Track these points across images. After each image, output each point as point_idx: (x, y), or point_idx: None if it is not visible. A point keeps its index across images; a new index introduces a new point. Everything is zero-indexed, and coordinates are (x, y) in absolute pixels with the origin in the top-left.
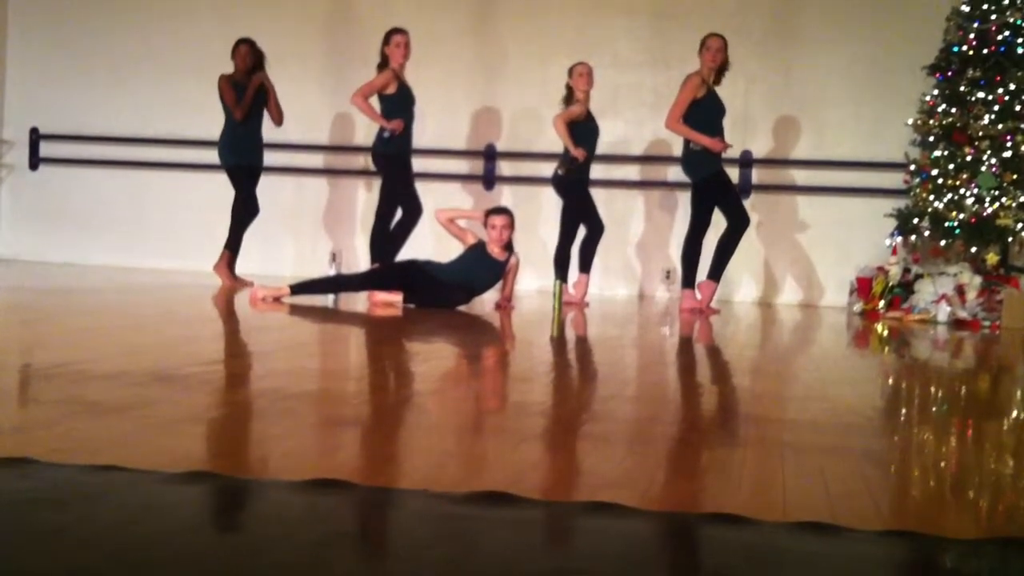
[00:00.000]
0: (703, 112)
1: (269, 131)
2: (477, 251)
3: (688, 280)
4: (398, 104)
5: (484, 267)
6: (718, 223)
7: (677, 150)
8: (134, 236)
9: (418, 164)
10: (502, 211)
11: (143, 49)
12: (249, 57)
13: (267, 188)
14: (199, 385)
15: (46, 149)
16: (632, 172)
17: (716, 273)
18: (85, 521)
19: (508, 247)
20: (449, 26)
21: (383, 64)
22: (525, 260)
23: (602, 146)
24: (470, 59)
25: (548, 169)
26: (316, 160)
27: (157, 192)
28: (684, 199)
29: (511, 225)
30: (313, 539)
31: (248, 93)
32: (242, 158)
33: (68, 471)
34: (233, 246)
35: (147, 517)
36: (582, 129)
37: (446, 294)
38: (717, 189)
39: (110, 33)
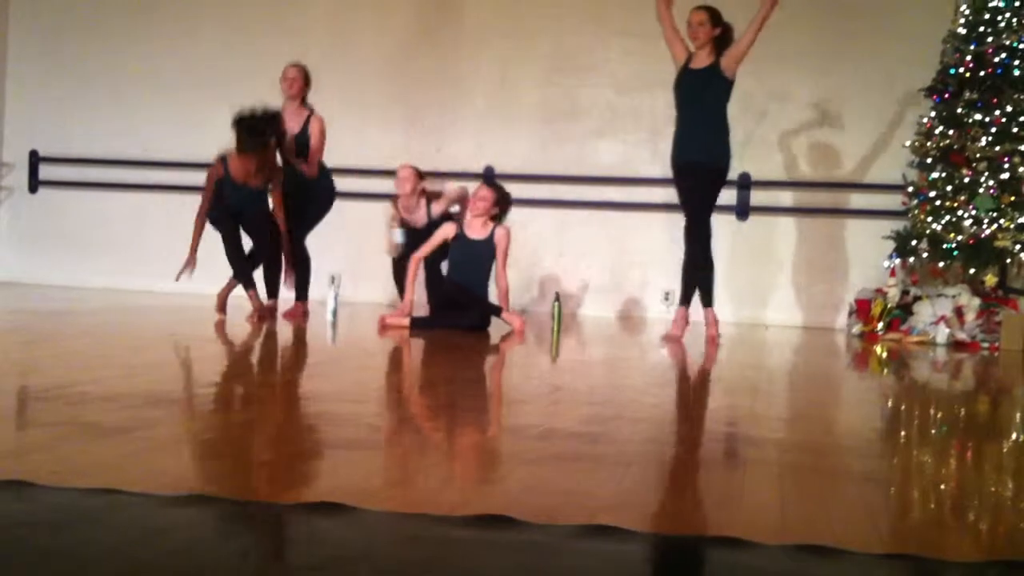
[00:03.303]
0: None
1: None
2: (457, 243)
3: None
4: None
5: (468, 256)
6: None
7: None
8: (134, 259)
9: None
10: (492, 186)
11: (143, 71)
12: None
13: None
14: (198, 407)
15: (45, 172)
16: (633, 194)
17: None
18: (83, 544)
19: (495, 219)
20: (450, 47)
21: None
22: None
23: (601, 168)
24: (471, 78)
25: (545, 192)
26: None
27: (157, 215)
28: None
29: (498, 203)
30: (311, 563)
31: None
32: None
33: (66, 494)
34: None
35: (146, 540)
36: None
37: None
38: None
39: (110, 55)
